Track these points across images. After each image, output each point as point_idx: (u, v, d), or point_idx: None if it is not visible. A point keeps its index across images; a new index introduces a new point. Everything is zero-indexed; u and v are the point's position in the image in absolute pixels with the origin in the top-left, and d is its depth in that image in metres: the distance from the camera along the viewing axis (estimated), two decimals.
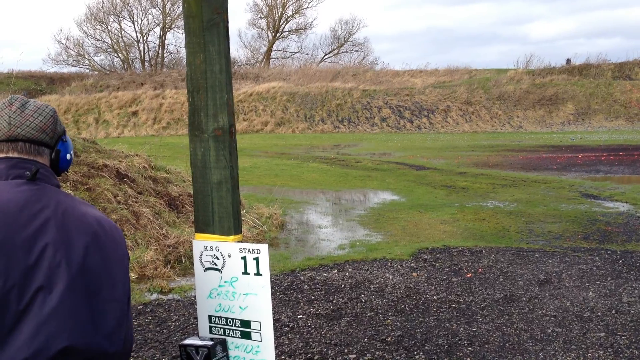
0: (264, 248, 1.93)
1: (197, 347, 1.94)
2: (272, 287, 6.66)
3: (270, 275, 7.24)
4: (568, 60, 48.61)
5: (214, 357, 1.94)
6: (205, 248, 2.04)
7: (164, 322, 5.70)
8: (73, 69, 54.85)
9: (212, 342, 1.96)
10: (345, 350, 4.91)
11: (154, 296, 6.58)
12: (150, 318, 5.83)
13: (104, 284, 1.58)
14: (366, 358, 4.76)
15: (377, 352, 4.86)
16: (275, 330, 5.40)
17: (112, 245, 1.65)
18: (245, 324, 1.99)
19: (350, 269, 7.42)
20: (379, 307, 5.97)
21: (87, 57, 56.22)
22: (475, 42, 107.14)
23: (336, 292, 6.51)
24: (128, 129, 36.52)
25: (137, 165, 10.46)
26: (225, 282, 2.00)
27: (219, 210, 2.06)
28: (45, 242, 1.51)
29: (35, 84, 47.03)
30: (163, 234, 8.50)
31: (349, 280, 6.91)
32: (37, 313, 1.46)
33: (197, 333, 2.09)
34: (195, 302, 6.26)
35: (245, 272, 1.95)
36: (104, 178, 9.10)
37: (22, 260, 1.47)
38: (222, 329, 2.03)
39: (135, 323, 5.70)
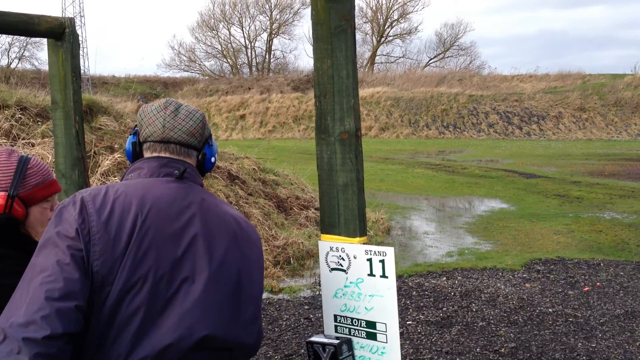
0: (390, 251, 1.93)
1: (324, 344, 1.97)
2: None
3: None
4: None
5: (340, 355, 1.96)
6: (331, 249, 2.06)
7: (275, 321, 5.81)
8: (185, 74, 57.23)
9: (338, 341, 1.99)
10: (457, 359, 4.82)
11: (265, 295, 6.73)
12: (262, 316, 5.95)
13: (242, 281, 1.66)
14: None
15: None
16: None
17: (249, 244, 1.72)
18: (371, 324, 1.99)
19: (459, 277, 7.29)
20: (491, 317, 5.82)
21: (198, 62, 58.45)
22: (589, 46, 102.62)
23: (445, 299, 6.41)
24: (236, 132, 37.62)
25: (247, 167, 10.75)
26: (350, 282, 2.02)
27: (344, 212, 2.08)
28: (191, 236, 1.60)
29: (150, 88, 49.36)
30: (272, 235, 8.68)
31: (459, 289, 6.78)
32: (181, 302, 1.54)
33: (322, 331, 2.12)
34: (305, 303, 6.37)
35: (371, 274, 1.96)
36: (217, 179, 9.41)
37: (171, 251, 1.56)
38: (347, 329, 2.05)
39: None
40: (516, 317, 5.80)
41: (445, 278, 7.25)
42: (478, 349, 5.02)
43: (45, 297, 1.42)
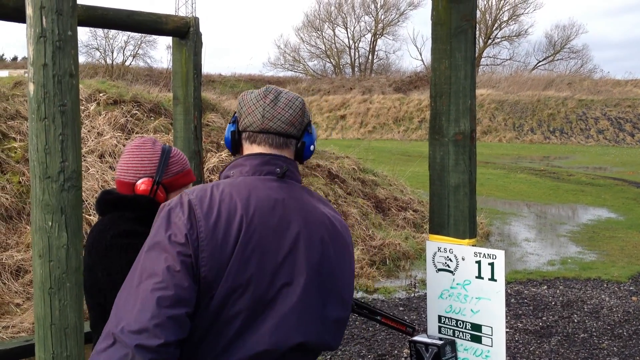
0: (500, 254, 1.93)
1: (427, 344, 1.99)
2: None
3: None
4: None
5: (443, 356, 1.97)
6: (439, 249, 2.08)
7: (369, 321, 5.85)
8: (289, 73, 58.23)
9: (442, 342, 2.00)
10: None
11: (360, 294, 6.79)
12: (356, 315, 6.01)
13: (335, 285, 1.66)
14: None
15: None
16: None
17: (344, 248, 1.71)
18: (476, 327, 2.00)
19: (561, 287, 7.06)
20: (594, 330, 5.62)
21: (302, 62, 59.31)
22: None
23: (546, 309, 6.24)
24: (336, 132, 37.91)
25: (347, 167, 10.84)
26: (457, 284, 2.03)
27: (454, 213, 2.09)
28: (292, 240, 1.60)
29: (255, 86, 50.46)
30: (369, 235, 8.73)
31: (560, 298, 6.58)
32: (279, 307, 1.55)
33: (426, 331, 2.14)
34: (400, 304, 6.37)
35: (479, 277, 1.96)
36: (317, 177, 9.56)
37: (273, 255, 1.56)
38: (451, 330, 2.06)
39: None
40: (620, 331, 5.57)
41: (546, 287, 7.05)
42: None
43: (157, 305, 1.43)
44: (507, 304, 6.38)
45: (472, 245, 2.03)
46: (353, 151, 13.29)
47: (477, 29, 57.32)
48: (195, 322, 1.50)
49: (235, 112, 1.79)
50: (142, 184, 2.05)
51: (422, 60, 58.71)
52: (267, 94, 1.73)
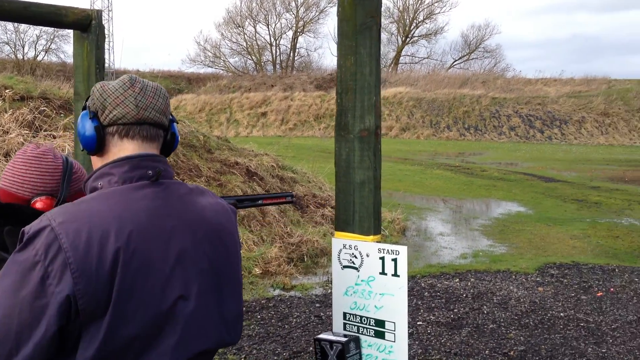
0: (403, 250, 1.95)
1: (331, 342, 1.99)
2: None
3: None
4: None
5: (347, 353, 1.98)
6: (344, 246, 2.09)
7: (286, 318, 5.85)
8: (209, 70, 57.54)
9: (346, 339, 2.01)
10: None
11: (277, 292, 6.77)
12: (273, 313, 6.01)
13: (227, 282, 1.60)
14: None
15: None
16: None
17: (229, 235, 1.63)
18: (380, 323, 2.02)
19: (472, 279, 7.28)
20: (502, 320, 5.82)
21: (222, 58, 58.71)
22: (622, 51, 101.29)
23: (457, 301, 6.41)
24: (257, 129, 37.75)
25: (265, 164, 10.81)
26: (362, 280, 2.04)
27: (359, 210, 2.10)
28: (177, 249, 1.50)
29: (174, 83, 49.69)
30: (287, 232, 8.73)
31: (471, 290, 6.78)
32: (177, 321, 1.47)
33: (331, 329, 2.15)
34: (317, 300, 6.40)
35: (383, 273, 1.98)
36: (234, 175, 9.48)
37: (159, 272, 1.45)
38: (356, 327, 2.07)
39: (259, 317, 5.90)
40: (527, 321, 5.80)
41: (458, 280, 7.25)
42: (487, 351, 5.03)
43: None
44: (421, 298, 6.52)
45: (377, 242, 2.05)
46: (273, 148, 13.27)
47: (396, 27, 58.42)
48: (86, 355, 1.37)
49: (88, 106, 1.60)
50: (39, 202, 1.85)
51: None
52: (133, 82, 1.57)
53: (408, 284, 6.98)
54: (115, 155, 1.56)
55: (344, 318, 2.10)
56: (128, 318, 1.39)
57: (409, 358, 4.90)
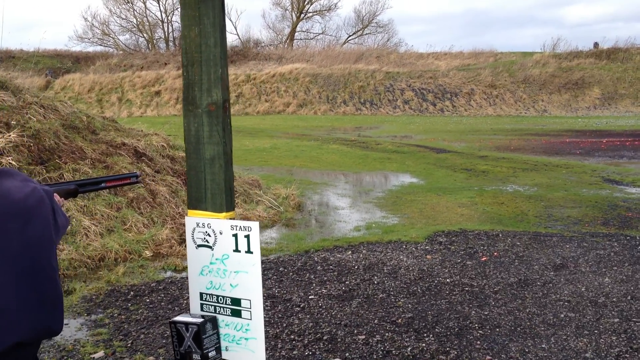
0: (254, 225, 1.90)
1: (187, 324, 1.93)
2: (285, 268, 6.68)
3: (284, 255, 7.26)
4: (596, 44, 47.70)
5: (204, 334, 1.92)
6: (198, 225, 2.02)
7: (176, 300, 5.73)
8: (98, 48, 55.34)
9: (202, 320, 1.95)
10: (355, 331, 4.90)
11: (168, 274, 6.62)
12: (163, 295, 5.87)
13: (35, 266, 1.50)
14: (375, 339, 4.74)
15: (387, 334, 4.84)
16: (286, 310, 5.41)
17: (38, 221, 1.55)
18: (236, 301, 1.97)
19: (364, 251, 7.40)
20: (391, 289, 5.95)
21: (112, 36, 56.53)
22: (511, 24, 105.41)
23: (349, 273, 6.49)
24: (151, 109, 36.70)
25: (155, 144, 10.50)
26: (216, 259, 1.98)
27: (211, 187, 2.03)
28: None
29: (60, 62, 47.41)
30: (179, 212, 8.54)
31: (363, 262, 6.88)
32: None
33: (189, 310, 2.08)
34: None
35: (237, 250, 1.93)
36: (121, 156, 9.14)
37: None
38: (213, 307, 2.02)
39: (147, 300, 5.74)
40: (415, 288, 5.95)
41: (350, 252, 7.34)
42: (376, 321, 5.12)
43: None
44: (314, 272, 6.56)
45: (230, 219, 1.99)
46: (165, 128, 12.91)
47: (290, 3, 58.18)
48: None
49: None
50: None
51: (238, 34, 58.44)
52: None
53: (301, 259, 7.03)
54: None
55: (201, 298, 2.04)
56: None
57: (299, 331, 4.92)
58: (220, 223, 1.97)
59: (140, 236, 7.63)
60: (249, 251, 1.91)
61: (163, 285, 6.20)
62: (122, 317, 5.32)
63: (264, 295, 5.76)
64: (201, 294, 2.04)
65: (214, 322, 1.98)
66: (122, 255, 7.12)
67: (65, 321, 5.20)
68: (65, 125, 9.15)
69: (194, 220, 2.02)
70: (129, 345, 4.74)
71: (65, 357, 4.49)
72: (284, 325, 5.07)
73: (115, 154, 9.18)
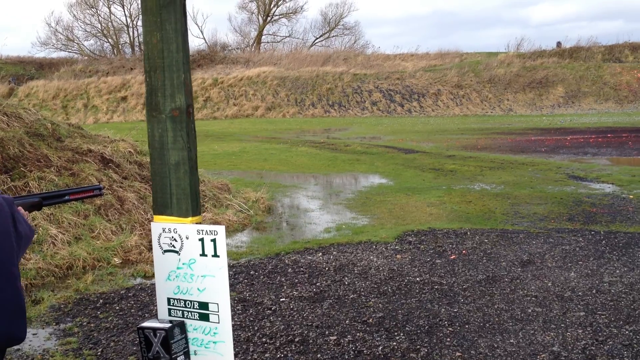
0: (220, 229, 1.92)
1: (155, 329, 1.93)
2: (256, 271, 6.68)
3: (255, 259, 7.26)
4: (558, 43, 48.56)
5: (172, 339, 1.93)
6: (164, 230, 2.02)
7: (146, 307, 5.69)
8: (62, 54, 54.59)
9: (170, 325, 1.95)
10: (326, 332, 4.93)
11: (138, 280, 6.57)
12: (132, 302, 5.83)
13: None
14: (346, 339, 4.77)
15: (358, 334, 4.88)
16: (257, 313, 5.42)
17: None
18: (204, 305, 1.98)
19: (335, 252, 7.43)
20: (362, 290, 5.98)
21: (76, 41, 55.83)
22: (477, 25, 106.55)
23: (320, 275, 6.52)
24: (117, 114, 36.32)
25: (122, 150, 10.40)
26: (183, 264, 1.99)
27: (177, 192, 2.04)
28: None
29: (23, 69, 46.69)
30: (147, 218, 8.48)
31: (333, 263, 6.92)
32: None
33: (157, 316, 2.08)
34: None
35: (203, 254, 1.94)
36: (88, 163, 9.04)
37: None
38: (180, 311, 2.02)
39: (117, 307, 5.70)
40: (386, 288, 6.00)
41: (321, 254, 7.37)
42: (347, 321, 5.15)
43: None
44: (285, 274, 6.57)
45: (197, 223, 2.00)
46: (132, 134, 12.79)
47: (256, 6, 58.10)
48: None
49: None
50: None
51: (204, 38, 58.08)
52: None
53: (272, 262, 7.03)
54: None
55: (169, 303, 2.04)
56: None
57: (271, 334, 4.93)
58: (186, 228, 1.97)
59: (108, 243, 7.56)
60: (215, 255, 1.93)
61: (133, 292, 6.15)
62: (92, 325, 5.27)
63: (235, 299, 5.76)
64: (169, 299, 2.04)
65: (182, 326, 1.98)
66: (90, 263, 7.05)
67: (33, 331, 5.14)
68: (29, 133, 9.02)
69: (160, 225, 2.03)
70: (99, 353, 4.70)
71: None
72: (256, 328, 5.07)
73: (82, 161, 9.08)
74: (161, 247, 2.03)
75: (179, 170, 2.03)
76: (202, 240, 1.93)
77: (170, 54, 1.99)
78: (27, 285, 6.27)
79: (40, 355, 4.65)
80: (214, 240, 1.91)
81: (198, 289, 1.96)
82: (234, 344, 4.74)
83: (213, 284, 1.94)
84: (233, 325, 5.13)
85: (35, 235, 6.54)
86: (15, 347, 4.77)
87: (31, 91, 37.87)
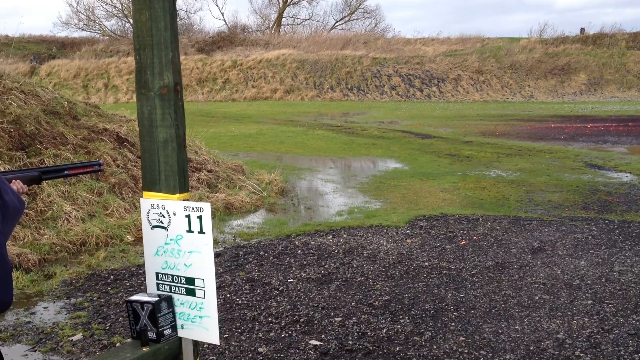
0: (206, 206, 1.94)
1: (142, 303, 1.96)
2: (266, 252, 6.72)
3: (266, 240, 7.30)
4: (582, 30, 47.83)
5: (159, 313, 1.96)
6: (152, 206, 2.04)
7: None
8: (84, 34, 54.78)
9: (157, 299, 1.98)
10: (332, 314, 4.95)
11: None
12: (143, 279, 5.90)
13: None
14: (351, 321, 4.80)
15: (363, 316, 4.90)
16: (265, 293, 5.46)
17: None
18: (190, 281, 2.00)
19: (345, 235, 7.44)
20: (370, 273, 6.00)
21: (97, 21, 56.04)
22: (499, 10, 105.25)
23: (329, 257, 6.54)
24: None
25: (137, 130, 10.48)
26: (171, 239, 2.01)
27: (165, 169, 2.06)
28: None
29: (46, 48, 46.97)
30: None
31: (343, 246, 6.93)
32: None
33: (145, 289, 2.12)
34: None
35: (190, 230, 1.96)
36: (103, 142, 9.12)
37: None
38: (168, 286, 2.05)
39: (127, 284, 5.78)
40: (393, 272, 6.01)
41: (331, 236, 7.39)
42: (353, 303, 5.17)
43: None
44: (294, 256, 6.59)
45: (184, 200, 2.02)
46: None
47: None
48: None
49: None
50: None
51: (224, 20, 58.06)
52: None
53: (282, 243, 7.07)
54: None
55: (157, 278, 2.07)
56: None
57: (277, 314, 4.97)
58: (173, 204, 2.00)
59: (122, 221, 7.64)
60: (201, 231, 1.95)
61: (143, 269, 6.19)
62: (102, 300, 5.35)
63: (243, 279, 5.81)
64: (157, 273, 2.08)
65: (169, 301, 2.01)
66: (103, 240, 7.14)
67: (45, 304, 5.24)
68: (46, 111, 9.11)
69: (149, 201, 2.05)
70: (107, 328, 4.78)
71: (43, 340, 4.52)
72: (262, 308, 5.11)
73: (97, 140, 9.17)
74: (150, 223, 2.05)
75: (167, 148, 2.05)
76: (188, 216, 1.95)
77: (158, 32, 2.00)
78: (41, 260, 6.38)
79: (50, 328, 4.73)
80: (200, 217, 1.93)
81: (185, 264, 1.99)
82: (240, 322, 4.80)
83: (199, 259, 1.96)
84: (240, 304, 5.19)
85: (25, 208, 6.64)
86: (26, 320, 4.87)
87: (52, 70, 38.17)
